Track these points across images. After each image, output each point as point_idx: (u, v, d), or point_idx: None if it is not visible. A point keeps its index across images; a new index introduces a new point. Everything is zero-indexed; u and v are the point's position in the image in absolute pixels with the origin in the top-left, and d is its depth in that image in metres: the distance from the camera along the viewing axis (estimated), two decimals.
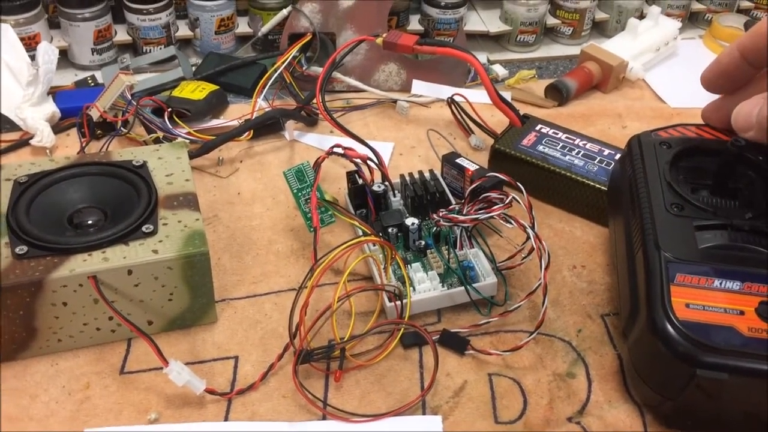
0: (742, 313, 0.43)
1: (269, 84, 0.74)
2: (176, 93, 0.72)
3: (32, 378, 0.49)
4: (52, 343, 0.49)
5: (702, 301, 0.43)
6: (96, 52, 0.80)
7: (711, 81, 0.54)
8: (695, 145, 0.53)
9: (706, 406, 0.44)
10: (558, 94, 0.78)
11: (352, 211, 0.60)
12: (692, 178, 0.52)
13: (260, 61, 0.80)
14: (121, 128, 0.68)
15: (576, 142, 0.65)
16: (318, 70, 0.75)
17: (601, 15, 0.91)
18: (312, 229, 0.55)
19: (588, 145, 0.65)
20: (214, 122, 0.72)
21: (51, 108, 0.71)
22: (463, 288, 0.53)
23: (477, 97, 0.74)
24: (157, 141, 0.67)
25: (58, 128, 0.70)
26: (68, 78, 0.79)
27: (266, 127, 0.71)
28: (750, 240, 0.46)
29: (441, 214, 0.55)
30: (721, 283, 0.44)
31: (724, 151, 0.51)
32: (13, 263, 0.47)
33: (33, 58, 0.72)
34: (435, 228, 0.56)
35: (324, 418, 0.47)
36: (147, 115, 0.68)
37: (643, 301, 0.45)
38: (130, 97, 0.68)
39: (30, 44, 0.76)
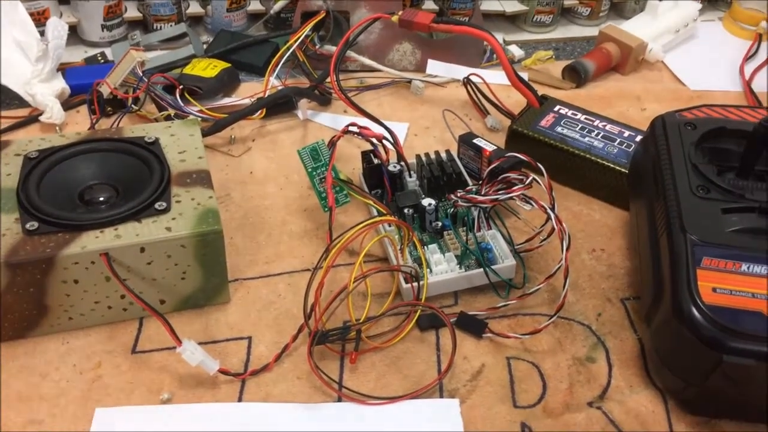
0: None
1: (282, 62, 0.73)
2: (188, 70, 0.71)
3: (43, 356, 0.48)
4: (63, 321, 0.49)
5: (729, 285, 0.42)
6: (106, 28, 0.78)
7: None
8: (721, 126, 0.51)
9: (731, 393, 0.43)
10: (576, 76, 0.76)
11: (367, 191, 0.59)
12: (718, 160, 0.50)
13: (272, 39, 0.79)
14: (132, 105, 0.67)
15: (595, 124, 0.64)
16: (331, 49, 0.74)
17: None
18: (327, 209, 0.54)
19: (608, 127, 0.64)
20: (225, 100, 0.71)
21: (60, 84, 0.70)
22: (481, 270, 0.52)
23: (493, 77, 0.73)
24: (168, 118, 0.66)
25: (67, 105, 0.69)
26: (78, 55, 0.78)
27: (279, 105, 0.70)
28: None
29: (459, 194, 0.54)
30: (748, 267, 0.43)
31: (752, 132, 0.49)
32: (23, 239, 0.46)
33: (42, 33, 0.71)
34: (452, 209, 0.55)
35: (339, 400, 0.46)
36: (158, 92, 0.67)
37: (668, 285, 0.44)
38: (141, 74, 0.67)
39: (39, 20, 0.75)
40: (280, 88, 0.71)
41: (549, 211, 0.50)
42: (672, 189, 0.48)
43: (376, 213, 0.55)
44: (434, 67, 0.76)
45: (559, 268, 0.49)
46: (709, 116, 0.53)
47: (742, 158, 0.50)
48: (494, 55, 0.78)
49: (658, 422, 0.45)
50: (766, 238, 0.44)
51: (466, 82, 0.72)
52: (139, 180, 0.51)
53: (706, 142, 0.51)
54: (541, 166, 0.53)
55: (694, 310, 0.41)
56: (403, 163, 0.59)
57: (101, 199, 0.50)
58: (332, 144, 0.56)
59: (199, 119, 0.65)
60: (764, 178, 0.49)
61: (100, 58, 0.77)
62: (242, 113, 0.67)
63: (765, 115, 0.50)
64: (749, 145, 0.49)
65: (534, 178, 0.52)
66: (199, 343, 0.46)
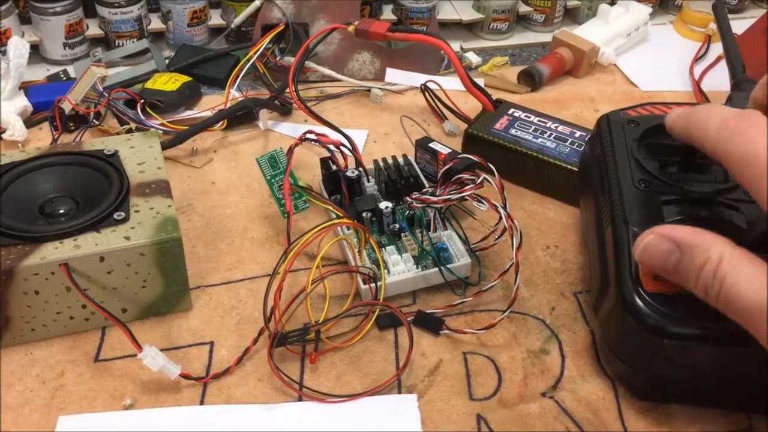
0: None
1: (242, 74, 0.74)
2: (149, 85, 0.72)
3: (6, 368, 0.48)
4: (25, 332, 0.49)
5: None
6: (68, 46, 0.79)
7: None
8: (662, 122, 0.53)
9: (676, 377, 0.44)
10: (531, 80, 0.78)
11: (326, 197, 0.60)
12: (660, 154, 0.52)
13: (233, 52, 0.80)
14: (94, 120, 0.68)
15: (548, 125, 0.66)
16: (291, 60, 0.75)
17: (573, 2, 0.92)
18: (285, 215, 0.55)
19: (560, 128, 0.66)
20: (187, 113, 0.72)
21: (23, 102, 0.70)
22: (437, 269, 0.53)
23: (450, 84, 0.75)
24: (129, 132, 0.67)
25: (30, 122, 0.70)
26: (40, 73, 0.79)
27: (240, 117, 0.71)
28: (716, 213, 0.47)
29: (414, 196, 0.55)
30: None
31: None
32: None
33: (4, 53, 0.72)
34: (409, 211, 0.57)
35: (300, 399, 0.47)
36: (119, 106, 0.68)
37: (612, 275, 0.46)
38: (102, 89, 0.68)
39: (1, 39, 0.76)
40: (241, 99, 0.73)
41: (500, 209, 0.51)
42: (616, 183, 0.49)
43: (335, 217, 0.56)
44: (392, 75, 0.78)
45: (511, 264, 0.51)
46: (651, 113, 0.55)
47: (683, 152, 0.51)
48: None
49: (608, 408, 0.47)
50: (704, 227, 0.46)
51: (424, 89, 0.73)
52: (98, 191, 0.52)
53: (648, 138, 0.53)
54: (492, 167, 0.55)
55: (637, 298, 0.43)
56: (361, 169, 0.60)
57: (61, 211, 0.51)
58: (290, 151, 0.57)
59: (161, 132, 0.66)
60: (704, 171, 0.51)
61: (62, 75, 0.78)
62: (203, 125, 0.68)
63: None
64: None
65: (485, 178, 0.53)
66: (162, 350, 0.47)
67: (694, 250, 0.39)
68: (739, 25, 0.84)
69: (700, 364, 0.43)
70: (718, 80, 0.80)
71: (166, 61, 0.80)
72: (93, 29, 0.82)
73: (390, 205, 0.56)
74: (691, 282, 0.39)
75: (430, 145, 0.62)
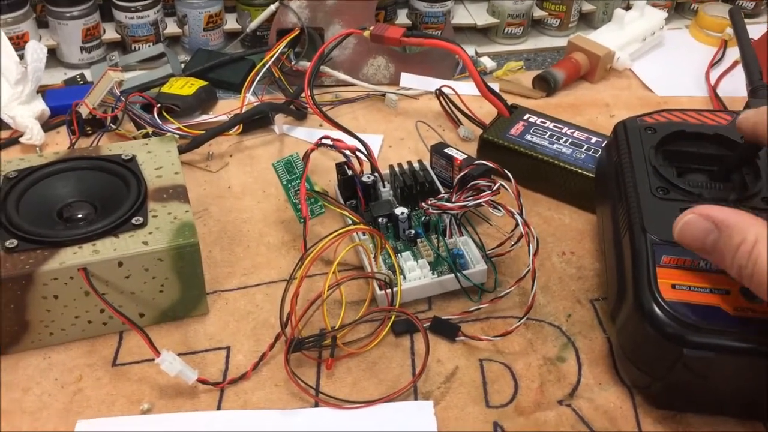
0: (727, 292, 0.43)
1: (258, 79, 0.74)
2: (165, 89, 0.72)
3: (25, 372, 0.49)
4: (44, 336, 0.50)
5: (688, 281, 0.44)
6: (85, 50, 0.80)
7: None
8: (680, 129, 0.53)
9: (694, 386, 0.44)
10: (546, 85, 0.78)
11: (342, 203, 0.60)
12: (677, 161, 0.52)
13: (249, 56, 0.80)
14: (111, 124, 0.68)
15: (564, 131, 0.66)
16: (306, 64, 0.76)
17: (587, 6, 0.92)
18: (302, 220, 0.55)
19: (575, 134, 0.65)
20: (203, 117, 0.72)
21: (40, 106, 0.71)
22: (453, 275, 0.53)
23: (465, 89, 0.75)
24: (146, 136, 0.67)
25: (47, 126, 0.71)
26: (57, 77, 0.79)
27: (256, 121, 0.71)
28: None
29: (430, 202, 0.55)
30: (706, 264, 0.44)
31: (709, 135, 0.51)
32: (3, 257, 0.47)
33: (22, 57, 0.72)
34: (425, 217, 0.57)
35: (316, 405, 0.47)
36: (136, 110, 0.69)
37: (630, 283, 0.45)
38: (119, 94, 0.68)
39: (18, 43, 0.76)
40: (256, 104, 0.73)
41: (516, 216, 0.51)
42: (633, 191, 0.49)
43: (350, 223, 0.56)
44: (407, 80, 0.78)
45: (528, 271, 0.51)
46: (668, 120, 0.55)
47: (702, 159, 0.51)
48: None
49: (625, 417, 0.47)
50: None
51: (439, 93, 0.73)
52: (116, 196, 0.52)
53: (666, 145, 0.52)
54: (508, 173, 0.55)
55: (655, 307, 0.43)
56: (376, 174, 0.60)
57: (80, 216, 0.52)
58: (306, 156, 0.57)
59: (177, 136, 0.67)
60: (726, 178, 0.51)
61: (79, 79, 0.79)
62: (219, 129, 0.68)
63: (728, 119, 0.52)
64: (707, 147, 0.50)
65: (502, 185, 0.53)
66: (179, 354, 0.47)
67: (732, 230, 0.39)
68: (756, 29, 0.84)
69: (719, 374, 0.43)
70: (735, 86, 0.80)
71: (182, 66, 0.80)
72: (110, 33, 0.82)
73: (405, 210, 0.57)
74: (726, 261, 0.39)
75: (446, 150, 0.62)
